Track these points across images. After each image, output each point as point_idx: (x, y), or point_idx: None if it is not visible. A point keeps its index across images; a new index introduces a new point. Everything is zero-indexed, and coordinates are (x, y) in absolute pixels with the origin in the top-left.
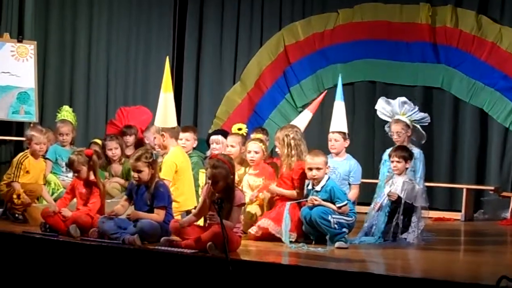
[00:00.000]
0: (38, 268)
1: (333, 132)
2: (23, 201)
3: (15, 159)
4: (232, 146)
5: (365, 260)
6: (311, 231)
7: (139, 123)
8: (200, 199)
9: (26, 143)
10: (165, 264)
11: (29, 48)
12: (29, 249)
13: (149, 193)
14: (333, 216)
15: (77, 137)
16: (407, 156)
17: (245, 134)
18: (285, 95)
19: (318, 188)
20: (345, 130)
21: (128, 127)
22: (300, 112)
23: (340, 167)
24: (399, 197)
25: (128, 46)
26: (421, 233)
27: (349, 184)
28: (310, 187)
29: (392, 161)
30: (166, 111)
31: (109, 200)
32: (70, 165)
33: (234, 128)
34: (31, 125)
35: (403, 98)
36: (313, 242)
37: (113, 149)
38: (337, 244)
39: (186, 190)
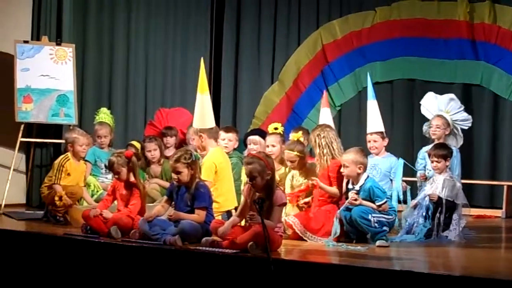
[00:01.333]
0: (80, 269)
1: (371, 134)
2: (64, 203)
3: (57, 162)
4: (272, 145)
5: (406, 258)
6: (351, 231)
7: (179, 124)
8: (242, 200)
9: (68, 146)
10: (206, 265)
11: (68, 51)
12: (71, 250)
13: (190, 194)
14: (373, 215)
15: (115, 139)
16: (447, 154)
17: (281, 132)
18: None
19: (357, 187)
20: (382, 129)
21: (168, 128)
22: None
23: (380, 164)
24: (439, 197)
25: (166, 47)
26: (462, 231)
27: (391, 180)
28: (350, 186)
29: (432, 161)
30: (203, 112)
31: (150, 204)
32: (110, 167)
33: (271, 128)
34: (70, 127)
35: (452, 95)
36: (354, 241)
37: (152, 151)
38: (378, 242)
39: (226, 191)
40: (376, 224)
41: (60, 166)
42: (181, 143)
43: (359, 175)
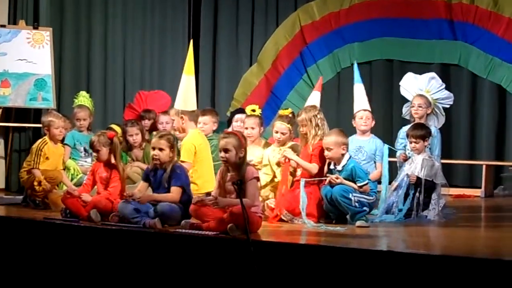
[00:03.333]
0: (59, 254)
1: (364, 110)
2: (44, 187)
3: (34, 146)
4: (252, 128)
5: (386, 238)
6: (331, 210)
7: (157, 107)
8: (216, 182)
9: (44, 129)
10: (186, 247)
11: (45, 35)
12: (50, 235)
13: (166, 175)
14: (354, 194)
15: (95, 122)
16: (425, 134)
17: (260, 115)
18: (302, 76)
19: (339, 167)
20: (369, 108)
21: (147, 111)
22: None
23: (366, 146)
24: (418, 178)
25: (144, 30)
26: (443, 210)
27: (375, 163)
28: (332, 166)
29: (411, 142)
30: (187, 94)
31: (131, 185)
32: (91, 145)
33: (248, 110)
34: (48, 111)
35: (432, 74)
36: (334, 221)
37: (134, 135)
38: (358, 223)
39: (205, 173)
40: (356, 204)
41: (38, 151)
42: (153, 126)
43: (342, 155)
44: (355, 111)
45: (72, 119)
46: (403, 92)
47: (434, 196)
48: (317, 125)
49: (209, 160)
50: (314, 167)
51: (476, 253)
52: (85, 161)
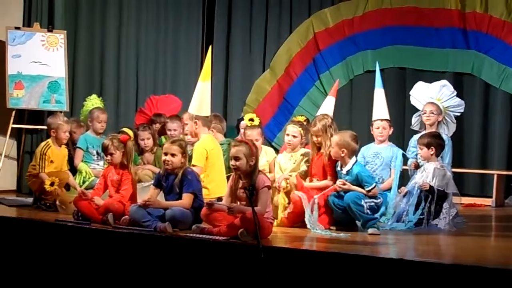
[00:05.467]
0: (70, 256)
1: (381, 120)
2: (56, 188)
3: (38, 150)
4: (256, 140)
5: (396, 246)
6: (342, 217)
7: (168, 111)
8: (227, 189)
9: (51, 131)
10: (196, 251)
11: (59, 38)
12: (62, 237)
13: (178, 180)
14: (365, 200)
15: (106, 126)
16: (430, 142)
17: (259, 124)
18: (315, 82)
19: (343, 171)
20: (388, 117)
21: (158, 115)
22: None
23: (383, 152)
24: (431, 186)
25: (158, 34)
26: (455, 219)
27: (390, 169)
28: (338, 168)
29: (419, 148)
30: (202, 99)
31: (140, 186)
32: (104, 148)
33: (246, 119)
34: (55, 113)
35: (444, 81)
36: (344, 228)
37: (145, 139)
38: (370, 230)
39: (217, 177)
40: (368, 211)
41: (42, 155)
42: (161, 130)
43: (343, 158)
44: (373, 118)
45: (90, 121)
46: (413, 101)
47: (445, 205)
48: (331, 135)
49: (221, 165)
50: (329, 182)
51: (486, 263)
52: (98, 164)
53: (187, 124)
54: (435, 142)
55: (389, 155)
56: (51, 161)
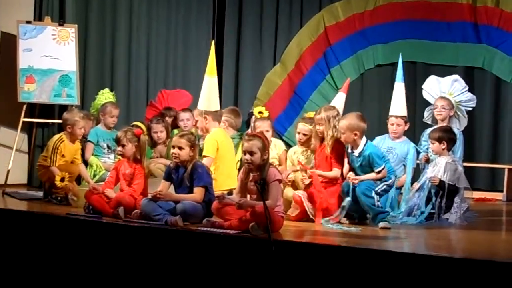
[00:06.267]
0: (81, 249)
1: (396, 117)
2: (67, 184)
3: (51, 143)
4: (267, 131)
5: (408, 240)
6: (354, 209)
7: (178, 105)
8: (237, 182)
9: (67, 126)
10: (207, 245)
11: (70, 32)
12: (73, 230)
13: (187, 174)
14: (376, 189)
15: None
16: (441, 136)
17: (268, 116)
18: (326, 76)
19: (356, 153)
20: (406, 113)
21: (168, 109)
22: None
23: (398, 148)
24: (441, 181)
25: (168, 28)
26: (466, 213)
27: (404, 166)
28: (349, 150)
29: (431, 142)
30: (210, 94)
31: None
32: (117, 140)
33: (256, 112)
34: (72, 108)
35: (455, 76)
36: (356, 221)
37: (159, 132)
38: (381, 224)
39: (227, 170)
40: (378, 203)
41: (54, 149)
42: (173, 124)
43: (355, 140)
44: (389, 113)
45: (103, 115)
46: (426, 95)
47: (456, 199)
48: (334, 126)
49: (232, 158)
50: (337, 173)
51: (497, 257)
52: (108, 158)
53: (197, 120)
54: (446, 136)
55: (404, 150)
56: (63, 155)
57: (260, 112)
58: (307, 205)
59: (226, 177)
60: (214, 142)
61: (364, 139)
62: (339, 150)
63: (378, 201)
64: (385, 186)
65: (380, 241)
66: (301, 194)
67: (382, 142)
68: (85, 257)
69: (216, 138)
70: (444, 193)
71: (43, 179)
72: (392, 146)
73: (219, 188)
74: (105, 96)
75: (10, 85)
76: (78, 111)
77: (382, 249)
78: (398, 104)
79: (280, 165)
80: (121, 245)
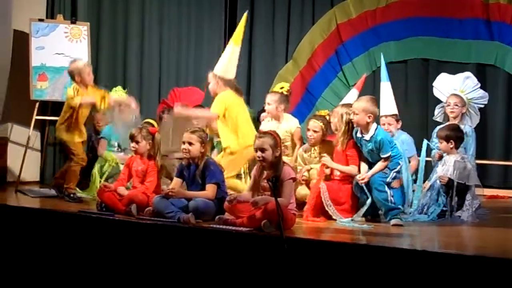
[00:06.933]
0: (94, 247)
1: (386, 116)
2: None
3: (67, 98)
4: (268, 104)
5: (420, 237)
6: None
7: (190, 102)
8: (251, 179)
9: (76, 76)
10: (219, 242)
11: (83, 30)
12: (85, 228)
13: (199, 171)
14: (387, 179)
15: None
16: (449, 135)
17: (285, 92)
18: (337, 74)
19: (367, 137)
20: (396, 111)
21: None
22: None
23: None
24: (450, 179)
25: (180, 26)
26: (478, 211)
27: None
28: (359, 134)
29: (439, 142)
30: (230, 62)
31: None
32: (131, 136)
33: (278, 88)
34: (74, 59)
35: (467, 73)
36: (369, 218)
37: None
38: (393, 221)
39: (244, 127)
40: (392, 198)
41: (75, 90)
42: None
43: (368, 124)
44: (380, 113)
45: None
46: (436, 93)
47: (468, 197)
48: (347, 122)
49: (247, 117)
50: (353, 169)
51: (510, 255)
52: (118, 156)
53: (209, 83)
54: (454, 135)
55: (401, 144)
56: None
57: (281, 88)
58: (324, 197)
59: (244, 134)
60: (222, 102)
61: (375, 124)
62: (358, 148)
63: (392, 196)
64: (395, 174)
65: (392, 239)
66: (321, 185)
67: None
68: (97, 254)
69: (225, 99)
70: (453, 192)
71: (59, 136)
72: None
73: (240, 145)
74: (117, 93)
75: (23, 83)
76: (80, 59)
77: (394, 246)
78: (387, 104)
79: (293, 143)
80: (133, 243)
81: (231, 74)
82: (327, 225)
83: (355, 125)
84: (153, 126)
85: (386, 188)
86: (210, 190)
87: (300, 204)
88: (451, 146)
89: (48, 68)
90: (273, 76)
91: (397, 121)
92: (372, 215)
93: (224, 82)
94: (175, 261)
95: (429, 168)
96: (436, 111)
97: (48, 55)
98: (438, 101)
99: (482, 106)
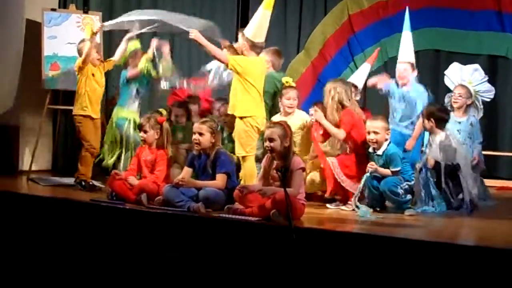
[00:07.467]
0: (105, 235)
1: (401, 63)
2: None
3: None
4: (294, 99)
5: (428, 227)
6: (376, 198)
7: (201, 93)
8: (261, 170)
9: (84, 56)
10: (229, 232)
11: (95, 19)
12: (96, 216)
13: (210, 161)
14: (401, 185)
15: (140, 108)
16: (431, 114)
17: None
18: (349, 64)
19: (379, 152)
20: (413, 60)
21: (191, 97)
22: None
23: (406, 95)
24: (437, 163)
25: (193, 16)
26: (486, 200)
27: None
28: (371, 150)
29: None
30: (260, 26)
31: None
32: (139, 126)
33: (284, 80)
34: (85, 38)
35: (476, 65)
36: (378, 209)
37: (180, 116)
38: (407, 211)
39: (253, 95)
40: (403, 195)
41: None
42: (204, 112)
43: (385, 140)
44: (398, 60)
45: (129, 61)
46: (447, 81)
47: (466, 177)
48: (332, 98)
49: (259, 86)
50: (341, 133)
51: None
52: (133, 104)
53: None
54: (435, 115)
55: (413, 94)
56: (93, 74)
57: (287, 81)
58: (337, 173)
59: (252, 102)
60: (240, 60)
61: (387, 140)
62: (349, 119)
63: (404, 194)
64: (407, 186)
65: (401, 229)
66: (332, 161)
67: (393, 87)
68: (108, 243)
69: (244, 60)
70: (445, 175)
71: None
72: (404, 94)
73: (251, 113)
74: (134, 44)
75: (35, 72)
76: (87, 39)
77: (403, 237)
78: (405, 51)
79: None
80: (143, 232)
81: (259, 37)
82: (335, 215)
83: (375, 144)
84: (161, 115)
85: (399, 189)
86: (220, 179)
87: (309, 195)
88: (431, 124)
89: (60, 57)
90: (285, 67)
91: (413, 69)
92: (380, 207)
93: (251, 45)
94: (184, 250)
95: None
96: (446, 100)
97: (61, 45)
98: (449, 91)
99: (488, 99)
